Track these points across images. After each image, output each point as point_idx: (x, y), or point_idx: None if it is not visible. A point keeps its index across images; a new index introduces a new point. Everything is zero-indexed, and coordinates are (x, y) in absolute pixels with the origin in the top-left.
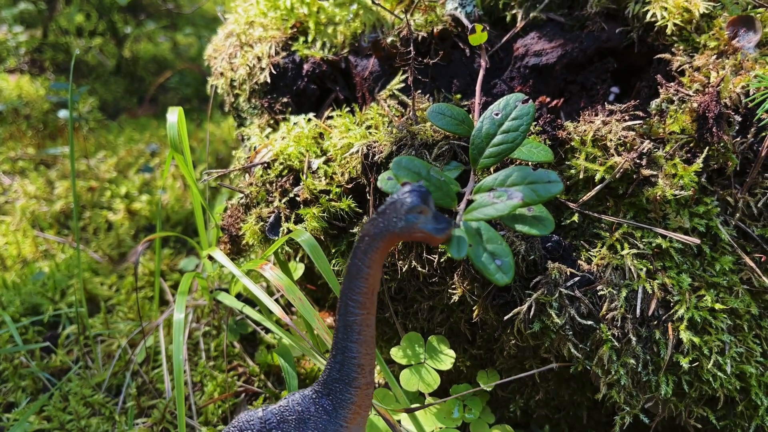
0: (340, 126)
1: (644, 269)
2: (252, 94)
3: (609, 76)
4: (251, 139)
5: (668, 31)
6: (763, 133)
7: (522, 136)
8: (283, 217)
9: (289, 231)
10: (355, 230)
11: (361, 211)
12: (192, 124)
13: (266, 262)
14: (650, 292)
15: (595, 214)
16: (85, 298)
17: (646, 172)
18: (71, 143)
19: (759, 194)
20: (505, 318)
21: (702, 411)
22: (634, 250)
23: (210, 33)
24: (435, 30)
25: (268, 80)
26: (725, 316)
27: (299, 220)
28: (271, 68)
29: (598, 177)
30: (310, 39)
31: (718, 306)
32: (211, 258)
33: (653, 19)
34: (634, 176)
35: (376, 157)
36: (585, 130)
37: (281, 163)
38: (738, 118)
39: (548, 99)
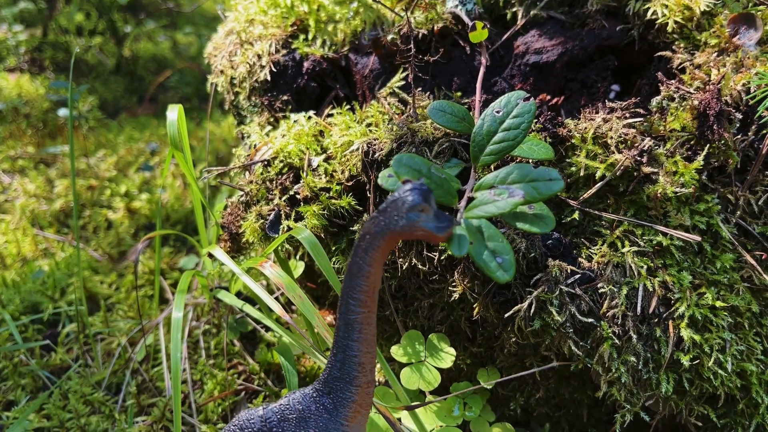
0: (340, 124)
1: (645, 267)
2: (252, 91)
3: (609, 73)
4: (251, 137)
5: (669, 29)
6: (764, 131)
7: (523, 133)
8: (283, 215)
9: (290, 229)
10: (355, 228)
11: (361, 208)
12: (192, 122)
13: (266, 260)
14: (651, 289)
15: (596, 212)
16: (85, 297)
17: (647, 169)
18: (71, 142)
19: (760, 192)
20: (506, 316)
21: (702, 409)
22: (635, 248)
23: (210, 32)
24: (435, 28)
25: (269, 78)
26: (726, 313)
27: (299, 217)
28: (272, 66)
29: (598, 174)
30: (310, 37)
31: (718, 304)
32: (211, 256)
33: (654, 17)
34: (635, 174)
35: (377, 154)
36: (586, 128)
37: (281, 161)
38: (739, 116)
39: (549, 97)
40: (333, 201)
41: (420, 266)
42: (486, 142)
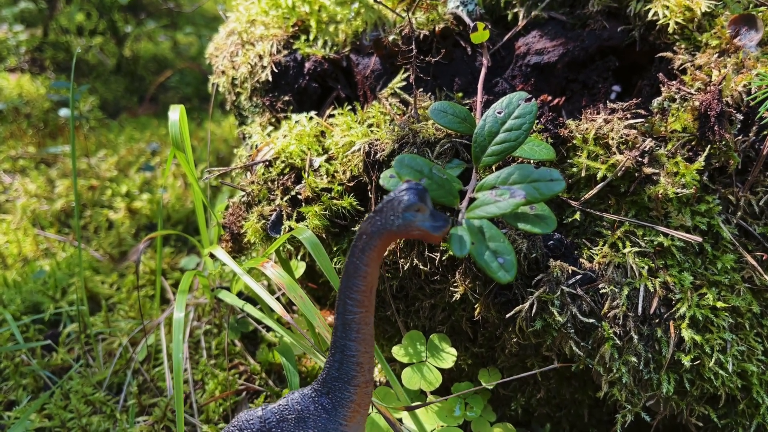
0: (341, 124)
1: (646, 267)
2: (253, 92)
3: (610, 74)
4: (253, 138)
5: (670, 30)
6: (765, 132)
7: (525, 134)
8: (284, 215)
9: (291, 229)
10: (356, 228)
11: (362, 209)
12: (192, 123)
13: (267, 260)
14: (652, 290)
15: (597, 213)
16: (86, 297)
17: (648, 170)
18: (72, 142)
19: (760, 193)
20: (507, 316)
21: (703, 409)
22: (636, 249)
23: (210, 32)
24: (437, 28)
25: (270, 78)
26: (727, 314)
27: (301, 218)
28: (273, 66)
29: (599, 175)
30: (311, 37)
31: (719, 304)
32: (212, 256)
33: (655, 18)
34: (636, 174)
35: (378, 155)
36: (587, 129)
37: (283, 161)
38: (740, 117)
39: (550, 97)
40: (334, 201)
41: (421, 267)
42: (487, 143)
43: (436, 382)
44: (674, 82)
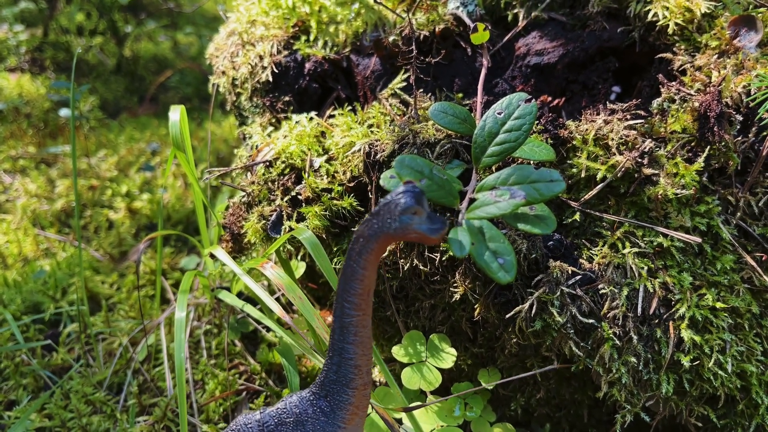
0: (341, 125)
1: (645, 268)
2: (254, 92)
3: (610, 75)
4: (253, 138)
5: (670, 31)
6: (765, 133)
7: (525, 135)
8: (284, 216)
9: (291, 229)
10: (356, 229)
11: (362, 209)
12: (192, 123)
13: (267, 260)
14: (651, 290)
15: (597, 213)
16: (87, 297)
17: (648, 171)
18: (73, 142)
19: (760, 193)
20: (507, 316)
21: (703, 409)
22: (636, 249)
23: (210, 32)
24: (437, 29)
25: (270, 79)
26: (726, 314)
27: (301, 218)
28: (273, 67)
29: (599, 176)
30: (311, 38)
31: (719, 305)
32: (212, 256)
33: (655, 19)
34: (636, 175)
35: (378, 155)
36: (587, 129)
37: (283, 162)
38: (739, 118)
39: (550, 98)
40: (335, 202)
41: (421, 267)
42: (487, 144)
43: (436, 382)
44: (674, 83)
